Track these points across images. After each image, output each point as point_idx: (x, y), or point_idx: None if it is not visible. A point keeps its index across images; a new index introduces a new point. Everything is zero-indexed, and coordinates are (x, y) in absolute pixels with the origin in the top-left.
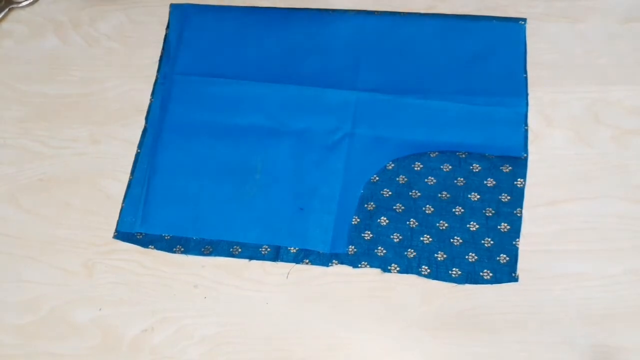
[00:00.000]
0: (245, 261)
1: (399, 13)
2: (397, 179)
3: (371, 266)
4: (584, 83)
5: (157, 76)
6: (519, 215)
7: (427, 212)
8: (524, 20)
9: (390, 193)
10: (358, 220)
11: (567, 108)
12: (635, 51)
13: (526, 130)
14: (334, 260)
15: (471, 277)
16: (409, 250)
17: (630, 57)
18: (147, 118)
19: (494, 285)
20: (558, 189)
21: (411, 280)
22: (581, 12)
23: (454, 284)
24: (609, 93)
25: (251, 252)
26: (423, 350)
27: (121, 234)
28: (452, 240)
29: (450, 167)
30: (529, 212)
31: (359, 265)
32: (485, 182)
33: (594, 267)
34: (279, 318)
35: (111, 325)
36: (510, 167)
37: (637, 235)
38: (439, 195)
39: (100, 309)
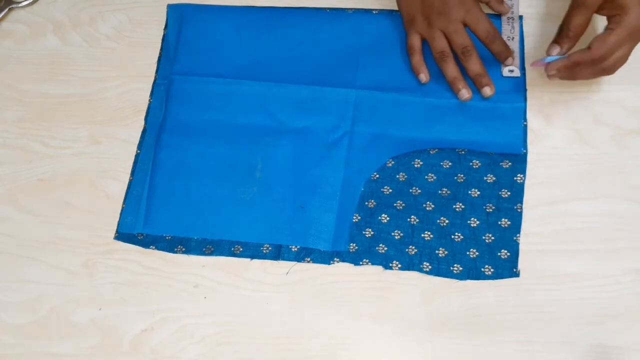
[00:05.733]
0: (245, 261)
1: (397, 11)
2: (397, 176)
3: (372, 264)
4: (584, 83)
5: (155, 76)
6: (519, 210)
7: (427, 208)
8: (521, 17)
9: (390, 190)
10: (359, 218)
11: (567, 108)
12: (635, 51)
13: (525, 126)
14: (335, 258)
15: (472, 272)
16: (410, 247)
17: (630, 57)
18: (146, 119)
19: (494, 285)
20: (558, 189)
21: (411, 280)
22: None
23: (456, 280)
24: (609, 93)
25: (252, 251)
26: (423, 350)
27: (122, 235)
28: (453, 236)
29: (450, 163)
30: (529, 212)
31: (361, 263)
32: (485, 178)
33: (594, 267)
34: (278, 318)
35: (111, 325)
36: (509, 163)
37: (637, 235)
38: (439, 191)
39: (100, 309)
